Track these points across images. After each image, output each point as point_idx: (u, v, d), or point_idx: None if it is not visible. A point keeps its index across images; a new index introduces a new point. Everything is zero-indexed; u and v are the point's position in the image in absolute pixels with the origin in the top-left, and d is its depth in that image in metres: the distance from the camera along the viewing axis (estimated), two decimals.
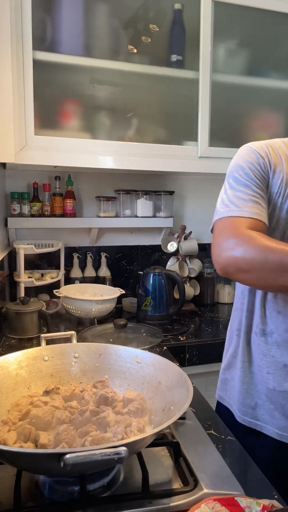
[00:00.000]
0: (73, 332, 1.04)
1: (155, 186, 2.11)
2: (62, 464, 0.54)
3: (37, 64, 1.54)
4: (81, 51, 1.65)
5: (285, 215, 0.93)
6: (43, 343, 0.99)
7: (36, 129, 1.57)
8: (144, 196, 2.02)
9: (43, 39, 1.58)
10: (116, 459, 0.56)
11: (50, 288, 1.89)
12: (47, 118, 1.62)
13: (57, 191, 1.94)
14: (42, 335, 1.01)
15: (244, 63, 1.85)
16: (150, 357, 0.93)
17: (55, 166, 1.80)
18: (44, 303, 1.75)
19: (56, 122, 1.64)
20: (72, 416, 0.77)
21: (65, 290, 1.80)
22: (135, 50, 1.69)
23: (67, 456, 0.54)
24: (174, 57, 1.75)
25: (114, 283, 2.04)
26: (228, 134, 1.85)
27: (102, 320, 1.79)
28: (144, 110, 1.75)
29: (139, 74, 1.72)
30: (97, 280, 2.06)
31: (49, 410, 0.77)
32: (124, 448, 0.56)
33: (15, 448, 0.65)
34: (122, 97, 1.71)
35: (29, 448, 0.69)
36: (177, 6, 1.73)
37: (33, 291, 1.92)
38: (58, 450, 0.56)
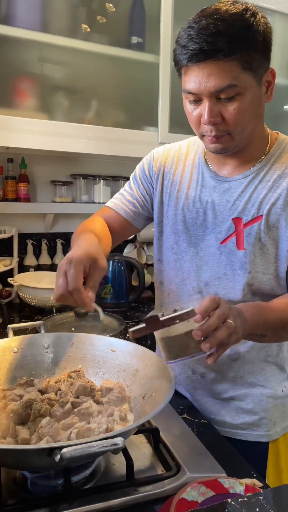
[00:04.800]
0: (42, 321, 1.00)
1: (113, 172, 2.07)
2: (57, 459, 0.52)
3: None
4: (38, 26, 1.55)
5: (173, 211, 1.07)
6: (11, 334, 0.94)
7: None
8: (102, 182, 1.97)
9: None
10: (112, 450, 0.54)
11: (2, 277, 1.80)
12: (0, 95, 1.52)
13: (9, 174, 1.84)
14: (10, 325, 0.95)
15: None
16: (126, 345, 0.92)
17: (7, 147, 1.70)
18: None
19: (9, 100, 1.54)
20: (52, 408, 0.74)
21: (20, 279, 1.72)
22: (88, 29, 1.63)
23: (64, 450, 0.51)
24: (134, 39, 1.70)
25: None
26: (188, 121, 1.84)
27: (59, 309, 1.74)
28: (104, 92, 1.70)
29: (98, 54, 1.66)
30: (53, 268, 1.99)
31: (26, 403, 0.74)
32: (121, 438, 0.55)
33: (3, 445, 0.61)
34: (81, 77, 1.64)
35: (10, 444, 0.65)
36: None
37: None
38: (52, 444, 0.53)
